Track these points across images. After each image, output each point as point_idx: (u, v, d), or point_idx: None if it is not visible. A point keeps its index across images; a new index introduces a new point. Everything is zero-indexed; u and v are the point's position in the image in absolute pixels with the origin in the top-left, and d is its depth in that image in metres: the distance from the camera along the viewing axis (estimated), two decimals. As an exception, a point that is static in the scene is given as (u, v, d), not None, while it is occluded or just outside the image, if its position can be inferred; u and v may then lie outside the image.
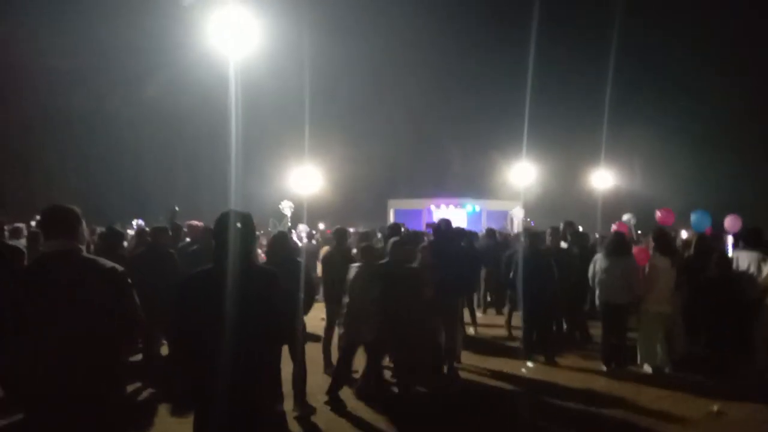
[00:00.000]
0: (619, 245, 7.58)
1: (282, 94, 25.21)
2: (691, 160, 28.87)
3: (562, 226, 9.99)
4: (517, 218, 20.05)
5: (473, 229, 14.22)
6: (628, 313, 7.60)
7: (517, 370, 7.61)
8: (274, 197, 25.20)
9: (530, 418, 5.93)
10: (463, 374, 7.35)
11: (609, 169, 27.74)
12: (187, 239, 8.64)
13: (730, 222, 10.03)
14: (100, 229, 10.35)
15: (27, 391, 2.81)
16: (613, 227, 11.46)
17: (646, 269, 7.47)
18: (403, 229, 8.49)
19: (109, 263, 2.97)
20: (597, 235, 13.69)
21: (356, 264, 6.29)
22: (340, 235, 7.64)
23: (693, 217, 10.03)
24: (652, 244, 7.75)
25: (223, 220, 3.10)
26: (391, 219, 29.09)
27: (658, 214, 10.17)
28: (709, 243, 8.37)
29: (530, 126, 23.20)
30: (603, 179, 27.49)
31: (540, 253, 8.07)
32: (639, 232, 12.51)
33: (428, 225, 10.87)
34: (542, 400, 6.46)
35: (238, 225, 3.06)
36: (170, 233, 7.96)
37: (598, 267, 7.61)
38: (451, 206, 30.57)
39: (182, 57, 20.09)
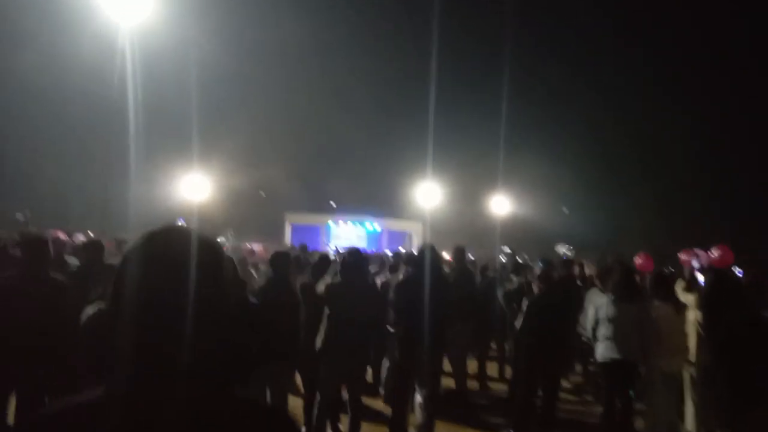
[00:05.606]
0: (629, 287, 5.60)
1: (171, 92, 23.28)
2: (583, 189, 30.13)
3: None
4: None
5: (371, 249, 13.43)
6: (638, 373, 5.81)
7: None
8: (164, 204, 23.14)
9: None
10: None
11: (506, 195, 28.39)
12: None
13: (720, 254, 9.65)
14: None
15: None
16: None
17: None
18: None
19: None
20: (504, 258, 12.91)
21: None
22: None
23: None
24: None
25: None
26: (288, 234, 27.82)
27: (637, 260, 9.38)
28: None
29: (433, 148, 23.03)
30: (501, 204, 28.05)
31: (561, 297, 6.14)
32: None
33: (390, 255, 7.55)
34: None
35: None
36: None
37: (602, 315, 5.75)
38: (350, 222, 29.82)
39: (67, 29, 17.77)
